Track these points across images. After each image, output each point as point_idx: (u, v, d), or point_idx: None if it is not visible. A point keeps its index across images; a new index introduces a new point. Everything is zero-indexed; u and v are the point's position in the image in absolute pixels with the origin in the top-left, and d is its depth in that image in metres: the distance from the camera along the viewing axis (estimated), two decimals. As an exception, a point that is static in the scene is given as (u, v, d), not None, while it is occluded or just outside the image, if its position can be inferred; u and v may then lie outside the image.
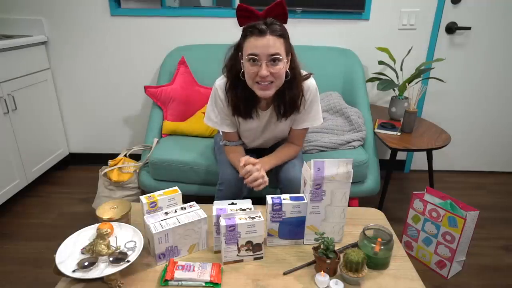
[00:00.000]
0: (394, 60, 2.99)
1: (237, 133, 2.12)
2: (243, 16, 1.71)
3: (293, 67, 1.84)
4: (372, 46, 3.22)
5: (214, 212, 1.56)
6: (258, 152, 2.24)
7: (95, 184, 2.84)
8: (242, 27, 1.76)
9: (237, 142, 2.11)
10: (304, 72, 1.94)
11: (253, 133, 2.10)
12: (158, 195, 1.67)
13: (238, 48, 1.79)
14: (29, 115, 3.04)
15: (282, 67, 1.73)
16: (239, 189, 2.07)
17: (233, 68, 1.84)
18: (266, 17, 1.70)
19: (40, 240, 2.59)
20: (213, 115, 2.03)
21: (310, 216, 1.63)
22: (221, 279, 1.44)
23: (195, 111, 2.91)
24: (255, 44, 1.68)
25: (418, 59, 3.26)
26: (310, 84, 1.94)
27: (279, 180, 2.11)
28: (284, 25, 1.75)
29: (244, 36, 1.72)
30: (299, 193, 1.68)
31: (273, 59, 1.69)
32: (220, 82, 1.95)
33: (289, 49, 1.77)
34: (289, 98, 1.87)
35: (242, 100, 1.88)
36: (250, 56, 1.70)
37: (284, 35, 1.71)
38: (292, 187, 2.01)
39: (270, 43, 1.66)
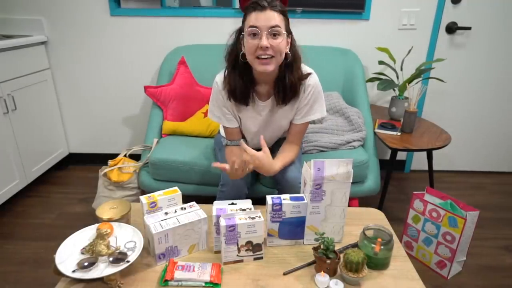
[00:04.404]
0: (394, 60, 2.98)
1: (240, 130, 2.11)
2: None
3: (294, 51, 1.85)
4: (372, 46, 3.22)
5: (214, 212, 1.56)
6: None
7: (95, 184, 2.83)
8: (243, 10, 1.80)
9: (238, 141, 2.09)
10: (307, 69, 1.95)
11: (256, 127, 2.09)
12: (158, 195, 1.67)
13: (239, 31, 1.82)
14: (29, 115, 3.04)
15: (282, 41, 1.75)
16: (241, 191, 2.06)
17: (233, 51, 1.86)
18: None
19: (40, 240, 2.58)
20: (215, 110, 2.03)
21: (310, 216, 1.63)
22: (221, 279, 1.44)
23: (195, 111, 2.91)
24: (256, 18, 1.71)
25: (418, 59, 3.26)
26: (313, 79, 1.94)
27: (277, 181, 2.10)
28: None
29: (245, 15, 1.77)
30: (296, 193, 1.67)
31: (274, 33, 1.72)
32: (220, 76, 1.96)
33: (289, 28, 1.80)
34: (289, 81, 1.87)
35: (239, 83, 1.89)
36: (250, 29, 1.72)
37: (284, 13, 1.75)
38: (290, 188, 2.00)
39: (270, 16, 1.70)
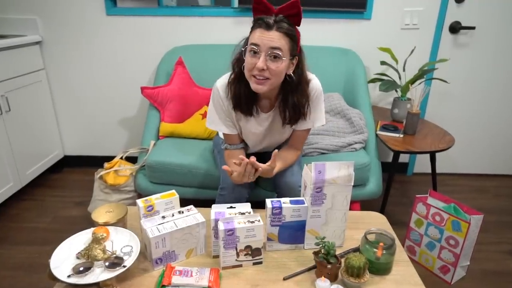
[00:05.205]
0: (396, 61, 2.97)
1: (238, 135, 2.09)
2: (258, 10, 1.73)
3: (300, 74, 1.83)
4: (374, 46, 3.20)
5: (213, 216, 1.55)
6: (260, 155, 2.21)
7: (90, 187, 2.82)
8: (253, 22, 1.77)
9: (238, 145, 2.09)
10: (309, 75, 1.92)
11: (257, 136, 2.08)
12: (155, 198, 1.66)
13: (246, 41, 1.79)
14: (23, 117, 3.02)
15: (282, 65, 1.71)
16: (242, 195, 2.06)
17: (239, 61, 1.83)
18: (279, 14, 1.71)
19: (35, 245, 2.57)
20: (214, 116, 2.01)
21: (310, 220, 1.62)
22: (219, 284, 1.43)
23: (193, 112, 2.89)
24: (259, 36, 1.67)
25: (421, 60, 3.25)
26: (315, 84, 1.92)
27: (276, 184, 2.10)
28: (297, 27, 1.76)
29: (252, 28, 1.74)
30: (295, 197, 1.67)
31: (274, 55, 1.68)
32: (221, 82, 1.93)
33: (294, 51, 1.76)
34: (293, 104, 1.86)
35: (244, 94, 1.87)
36: (251, 47, 1.70)
37: (291, 35, 1.70)
38: (289, 191, 2.01)
39: (273, 37, 1.66)
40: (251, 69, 1.72)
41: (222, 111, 1.96)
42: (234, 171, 1.80)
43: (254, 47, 1.68)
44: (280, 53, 1.67)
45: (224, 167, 1.75)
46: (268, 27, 1.66)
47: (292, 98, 1.84)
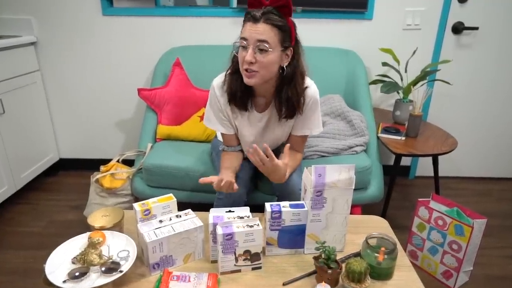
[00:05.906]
0: (398, 62, 2.96)
1: (236, 136, 2.10)
2: (251, 4, 1.74)
3: (295, 66, 1.82)
4: (375, 46, 3.18)
5: (211, 220, 1.54)
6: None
7: (86, 191, 2.81)
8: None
9: (236, 147, 2.09)
10: (307, 82, 1.92)
11: (251, 136, 2.07)
12: (152, 202, 1.65)
13: None
14: (17, 119, 3.01)
15: (270, 58, 1.73)
16: (240, 199, 2.04)
17: (236, 56, 1.84)
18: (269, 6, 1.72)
19: (29, 249, 2.55)
20: (211, 115, 2.02)
21: (310, 224, 1.61)
22: None
23: (191, 114, 2.88)
24: (247, 29, 1.70)
25: (423, 61, 3.23)
26: (311, 92, 1.92)
27: (276, 187, 2.08)
28: (291, 19, 1.78)
29: (243, 22, 1.76)
30: (296, 200, 1.66)
31: (261, 48, 1.70)
32: (217, 80, 1.95)
33: (286, 43, 1.76)
34: (287, 98, 1.86)
35: (239, 88, 1.88)
36: (241, 41, 1.73)
37: (280, 26, 1.71)
38: (289, 194, 2.00)
39: (261, 30, 1.68)
40: (242, 63, 1.74)
41: (218, 110, 1.97)
42: (212, 181, 1.78)
43: (243, 41, 1.71)
44: (267, 45, 1.69)
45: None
46: (255, 20, 1.68)
47: (286, 91, 1.84)
